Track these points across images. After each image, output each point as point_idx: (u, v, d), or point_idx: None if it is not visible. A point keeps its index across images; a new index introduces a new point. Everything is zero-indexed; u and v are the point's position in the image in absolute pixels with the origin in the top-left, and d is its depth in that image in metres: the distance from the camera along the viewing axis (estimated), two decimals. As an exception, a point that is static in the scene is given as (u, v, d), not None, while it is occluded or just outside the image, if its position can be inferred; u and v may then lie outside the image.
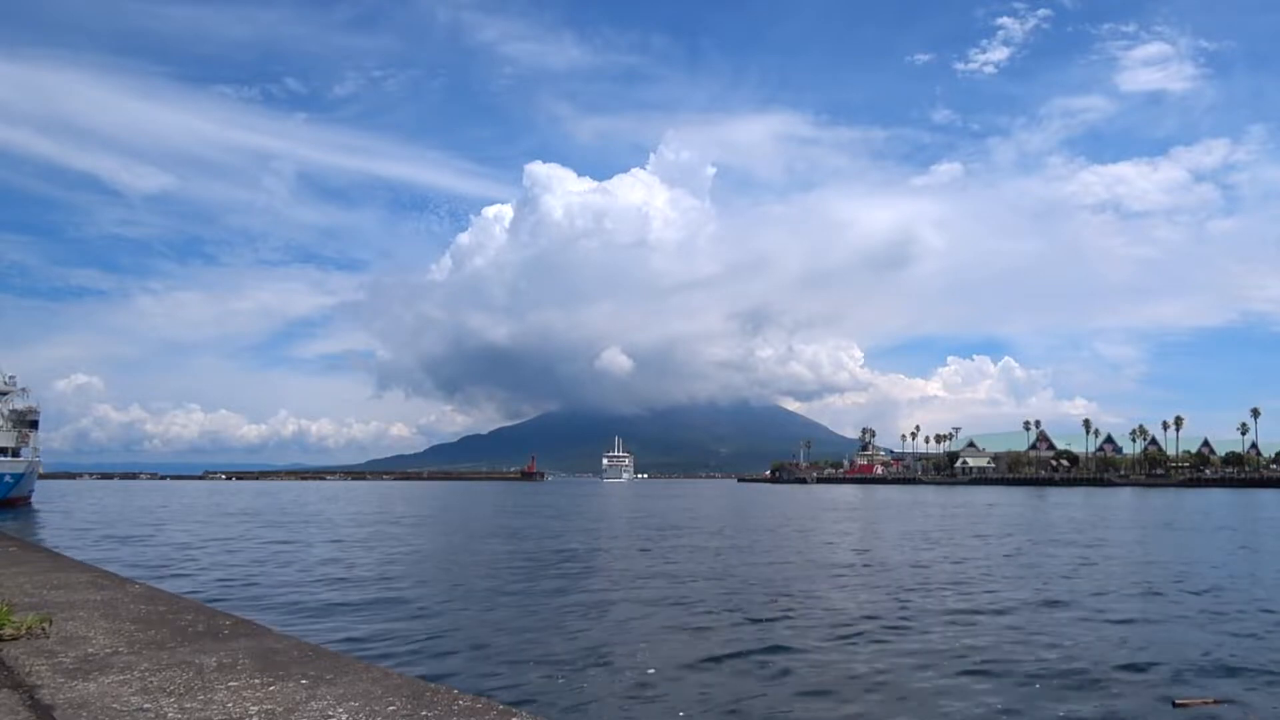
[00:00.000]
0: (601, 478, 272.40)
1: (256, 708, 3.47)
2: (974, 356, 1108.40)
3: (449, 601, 16.12)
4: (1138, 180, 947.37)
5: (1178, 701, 9.44)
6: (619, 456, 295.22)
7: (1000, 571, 21.48)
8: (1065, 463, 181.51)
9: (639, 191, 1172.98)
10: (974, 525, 41.32)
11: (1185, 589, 18.25)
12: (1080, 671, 10.81)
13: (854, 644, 12.27)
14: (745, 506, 67.74)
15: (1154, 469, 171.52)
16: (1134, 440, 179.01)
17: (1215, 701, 9.38)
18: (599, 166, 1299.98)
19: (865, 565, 22.90)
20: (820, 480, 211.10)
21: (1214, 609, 15.76)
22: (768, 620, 14.10)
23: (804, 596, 16.82)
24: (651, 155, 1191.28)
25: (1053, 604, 16.07)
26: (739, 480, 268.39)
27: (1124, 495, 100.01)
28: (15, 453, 56.81)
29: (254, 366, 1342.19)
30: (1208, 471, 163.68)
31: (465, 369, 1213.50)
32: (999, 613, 15.02)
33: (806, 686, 9.88)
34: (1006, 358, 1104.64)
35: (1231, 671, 10.82)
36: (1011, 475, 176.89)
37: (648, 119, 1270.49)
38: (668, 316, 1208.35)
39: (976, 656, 11.45)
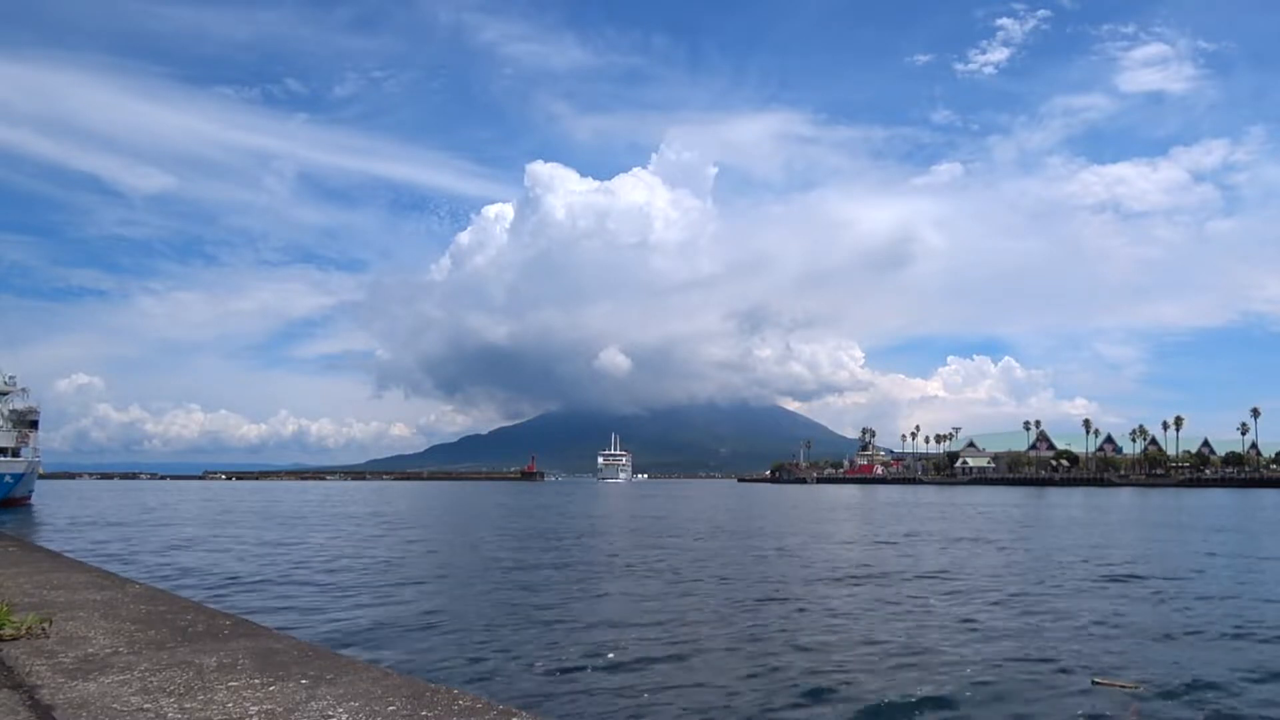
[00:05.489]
0: (598, 478, 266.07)
1: (256, 708, 3.47)
2: (974, 356, 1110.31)
3: (445, 595, 16.17)
4: (1138, 180, 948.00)
5: (1096, 680, 9.74)
6: (616, 455, 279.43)
7: (962, 565, 21.73)
8: (1065, 463, 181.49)
9: (640, 191, 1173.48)
10: (951, 525, 41.39)
11: (1141, 579, 18.76)
12: (1008, 648, 11.68)
13: (818, 637, 12.58)
14: (745, 507, 67.75)
15: (1154, 469, 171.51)
16: (1134, 440, 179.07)
17: (1134, 685, 9.54)
18: (600, 167, 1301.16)
19: (848, 563, 23.00)
20: (820, 480, 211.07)
21: (1164, 599, 16.29)
22: (752, 614, 14.25)
23: (790, 593, 16.90)
24: (653, 155, 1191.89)
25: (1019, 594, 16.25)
26: (739, 480, 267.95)
27: (1123, 495, 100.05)
28: (15, 453, 56.75)
29: (254, 366, 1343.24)
30: (1208, 471, 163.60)
31: (465, 369, 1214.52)
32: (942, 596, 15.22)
33: (776, 675, 10.06)
34: (1006, 358, 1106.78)
35: (1160, 657, 11.22)
36: (1011, 475, 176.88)
37: (648, 119, 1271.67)
38: (667, 316, 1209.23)
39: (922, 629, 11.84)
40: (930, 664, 10.91)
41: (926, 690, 9.60)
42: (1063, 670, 10.49)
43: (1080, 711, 8.74)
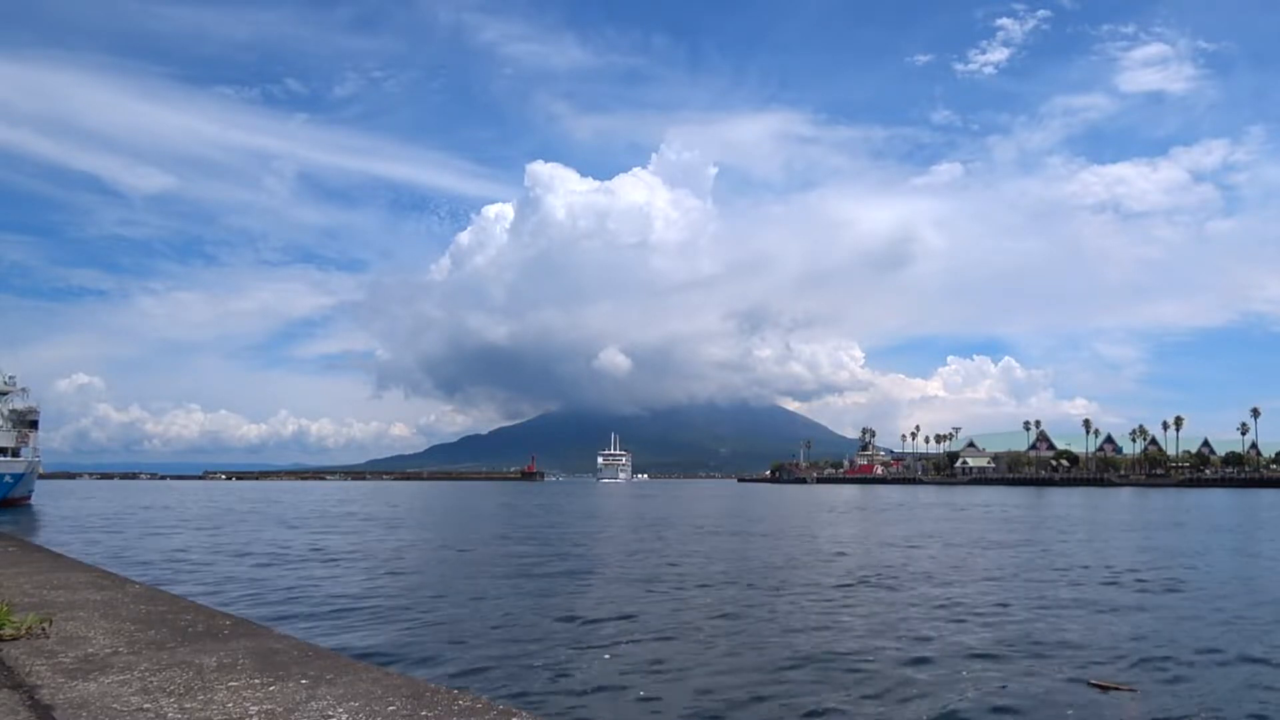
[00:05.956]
0: (597, 477, 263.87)
1: (256, 708, 3.47)
2: (974, 356, 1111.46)
3: (442, 596, 16.19)
4: (1138, 180, 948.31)
5: (1093, 682, 9.79)
6: (615, 455, 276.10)
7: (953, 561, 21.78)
8: (1065, 463, 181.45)
9: (640, 191, 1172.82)
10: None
11: (1137, 580, 18.89)
12: (1004, 650, 11.76)
13: (815, 638, 12.64)
14: (745, 508, 67.76)
15: (1154, 469, 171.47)
16: (1134, 440, 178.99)
17: (1130, 688, 9.59)
18: (600, 167, 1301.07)
19: (846, 563, 23.03)
20: (820, 480, 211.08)
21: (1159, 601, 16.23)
22: (750, 616, 14.28)
23: (789, 594, 16.92)
24: (653, 155, 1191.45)
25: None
26: (739, 480, 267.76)
27: (1123, 495, 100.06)
28: (15, 453, 56.73)
29: (254, 366, 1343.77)
30: (1208, 471, 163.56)
31: (465, 369, 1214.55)
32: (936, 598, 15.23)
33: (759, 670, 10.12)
34: (1006, 358, 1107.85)
35: (1156, 659, 11.27)
36: (1011, 475, 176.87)
37: (648, 119, 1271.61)
38: (667, 316, 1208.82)
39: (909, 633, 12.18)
40: (927, 664, 10.94)
41: (922, 689, 9.64)
42: (1060, 671, 10.51)
43: (1077, 713, 8.75)
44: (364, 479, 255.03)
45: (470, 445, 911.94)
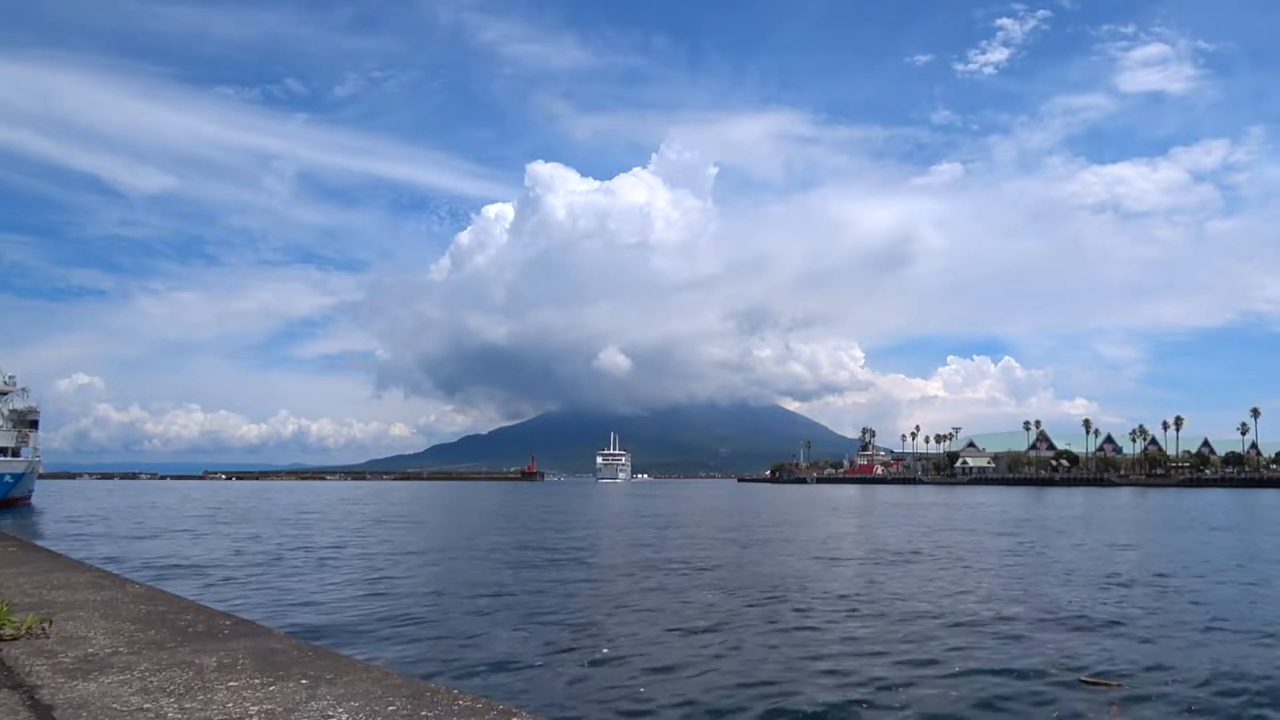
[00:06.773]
0: (597, 477, 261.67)
1: (256, 708, 3.47)
2: (974, 356, 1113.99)
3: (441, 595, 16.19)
4: (1138, 180, 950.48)
5: (1084, 679, 9.83)
6: (615, 455, 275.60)
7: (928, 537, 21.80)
8: (1065, 463, 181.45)
9: (640, 191, 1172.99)
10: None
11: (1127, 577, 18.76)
12: (997, 648, 11.86)
13: (809, 633, 12.78)
14: (744, 507, 67.76)
15: (1154, 469, 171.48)
16: (1134, 440, 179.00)
17: (1120, 684, 9.64)
18: (600, 167, 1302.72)
19: (843, 560, 23.05)
20: (820, 480, 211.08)
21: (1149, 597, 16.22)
22: (748, 614, 14.27)
23: (786, 592, 16.92)
24: (653, 155, 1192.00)
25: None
26: (739, 480, 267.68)
27: (1123, 495, 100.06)
28: (15, 453, 56.72)
29: (254, 366, 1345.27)
30: (1208, 471, 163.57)
31: (465, 369, 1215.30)
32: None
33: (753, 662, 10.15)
34: (1006, 358, 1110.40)
35: (1148, 656, 11.35)
36: (1011, 475, 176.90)
37: (648, 119, 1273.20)
38: (667, 316, 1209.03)
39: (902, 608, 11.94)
40: (921, 662, 10.95)
41: (916, 687, 9.65)
42: (1052, 668, 10.54)
43: (1067, 710, 8.77)
44: (364, 479, 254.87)
45: (470, 445, 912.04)
